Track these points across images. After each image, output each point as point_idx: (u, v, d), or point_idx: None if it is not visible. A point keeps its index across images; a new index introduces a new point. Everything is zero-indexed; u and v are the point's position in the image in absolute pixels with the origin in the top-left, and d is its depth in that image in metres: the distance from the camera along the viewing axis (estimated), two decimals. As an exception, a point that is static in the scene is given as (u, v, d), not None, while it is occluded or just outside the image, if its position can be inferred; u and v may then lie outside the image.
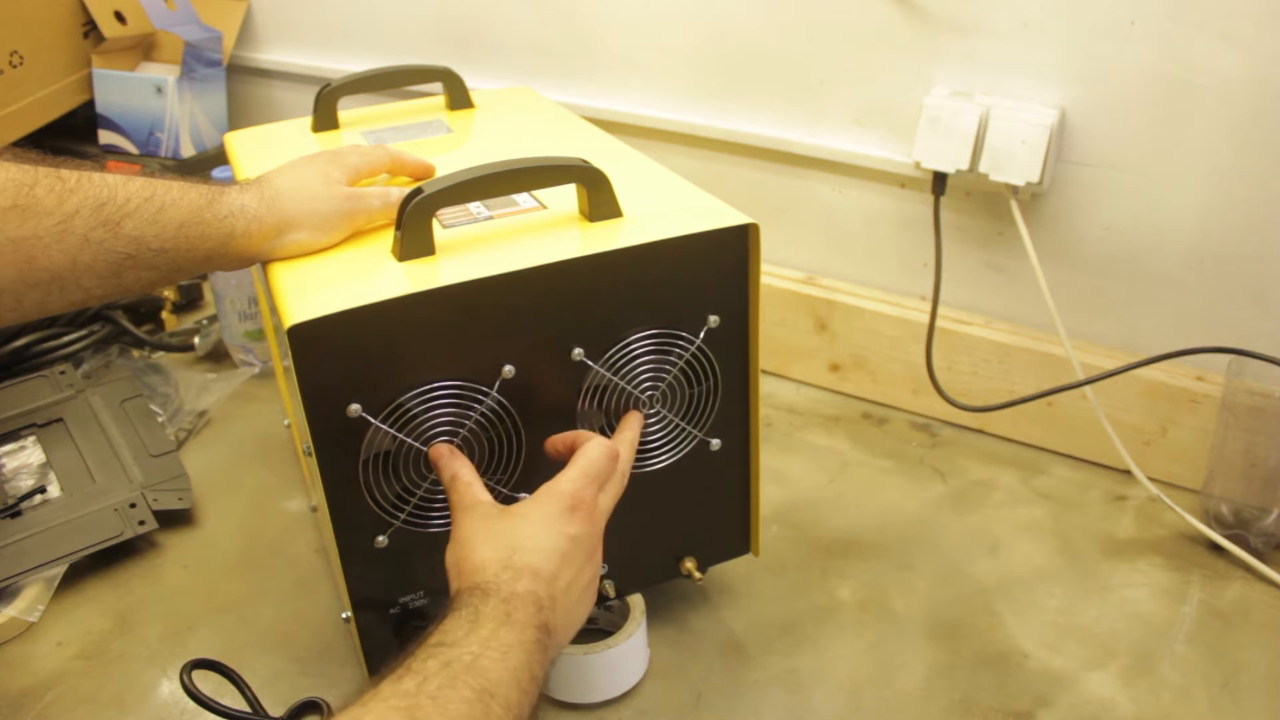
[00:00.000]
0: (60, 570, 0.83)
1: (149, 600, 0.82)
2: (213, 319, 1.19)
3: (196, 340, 1.16)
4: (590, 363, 0.65)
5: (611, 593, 0.73)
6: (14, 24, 1.19)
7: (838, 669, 0.75)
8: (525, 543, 0.56)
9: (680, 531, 0.74)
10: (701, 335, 0.68)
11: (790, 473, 0.96)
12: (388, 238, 0.66)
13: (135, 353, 1.14)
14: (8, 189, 0.56)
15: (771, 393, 1.09)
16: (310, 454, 0.61)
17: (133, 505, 0.87)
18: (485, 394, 0.63)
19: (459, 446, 0.63)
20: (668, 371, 0.68)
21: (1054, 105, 0.90)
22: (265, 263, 0.66)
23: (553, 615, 0.54)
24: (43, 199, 0.57)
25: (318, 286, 0.62)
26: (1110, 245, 0.93)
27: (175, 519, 0.90)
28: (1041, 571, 0.84)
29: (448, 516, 0.65)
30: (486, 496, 0.60)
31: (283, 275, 0.64)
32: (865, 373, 1.06)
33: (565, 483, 0.59)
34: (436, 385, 0.62)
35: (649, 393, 0.68)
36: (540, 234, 0.66)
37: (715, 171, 1.11)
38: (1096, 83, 0.88)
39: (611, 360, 0.66)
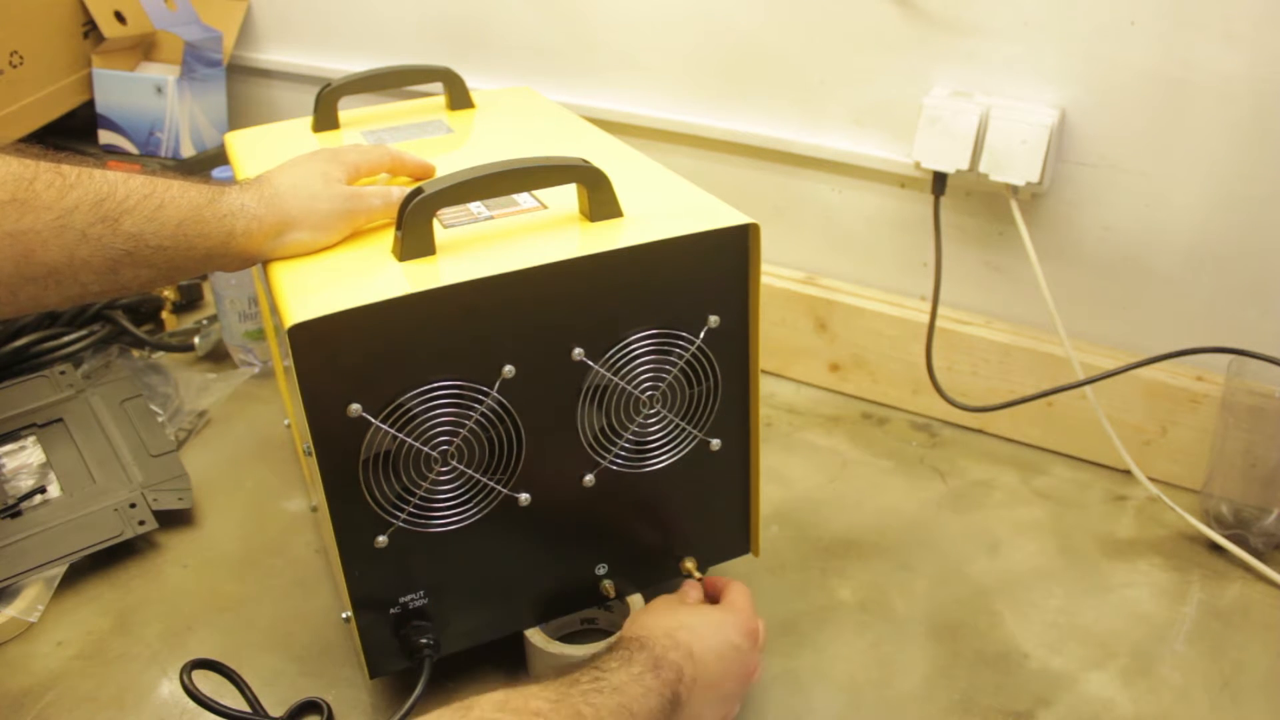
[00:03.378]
0: (60, 570, 0.83)
1: (149, 600, 0.82)
2: (213, 319, 1.19)
3: (196, 340, 1.16)
4: (590, 363, 0.65)
5: (611, 593, 0.73)
6: (14, 24, 1.19)
7: (838, 669, 0.75)
8: (694, 628, 0.63)
9: (680, 531, 0.74)
10: (701, 335, 0.68)
11: (790, 473, 0.96)
12: (388, 238, 0.66)
13: (135, 353, 1.14)
14: (7, 183, 0.56)
15: (771, 393, 1.09)
16: (310, 454, 0.61)
17: (133, 505, 0.87)
18: (485, 394, 0.63)
19: (459, 446, 0.63)
20: (668, 371, 0.68)
21: (1054, 105, 0.90)
22: (265, 262, 0.66)
23: (688, 694, 0.59)
24: (42, 194, 0.57)
25: (318, 286, 0.62)
26: (1110, 245, 0.93)
27: (175, 519, 0.90)
28: (1041, 571, 0.84)
29: (448, 516, 0.65)
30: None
31: (283, 275, 0.64)
32: (865, 373, 1.06)
33: (746, 610, 0.67)
34: (436, 385, 0.62)
35: (649, 393, 0.68)
36: (540, 234, 0.66)
37: (715, 171, 1.11)
38: (1096, 83, 0.88)
39: (611, 360, 0.66)
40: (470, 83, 0.95)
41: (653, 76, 1.11)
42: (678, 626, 0.62)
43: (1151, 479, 0.91)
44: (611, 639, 0.69)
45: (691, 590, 0.71)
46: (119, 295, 0.71)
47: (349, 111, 0.91)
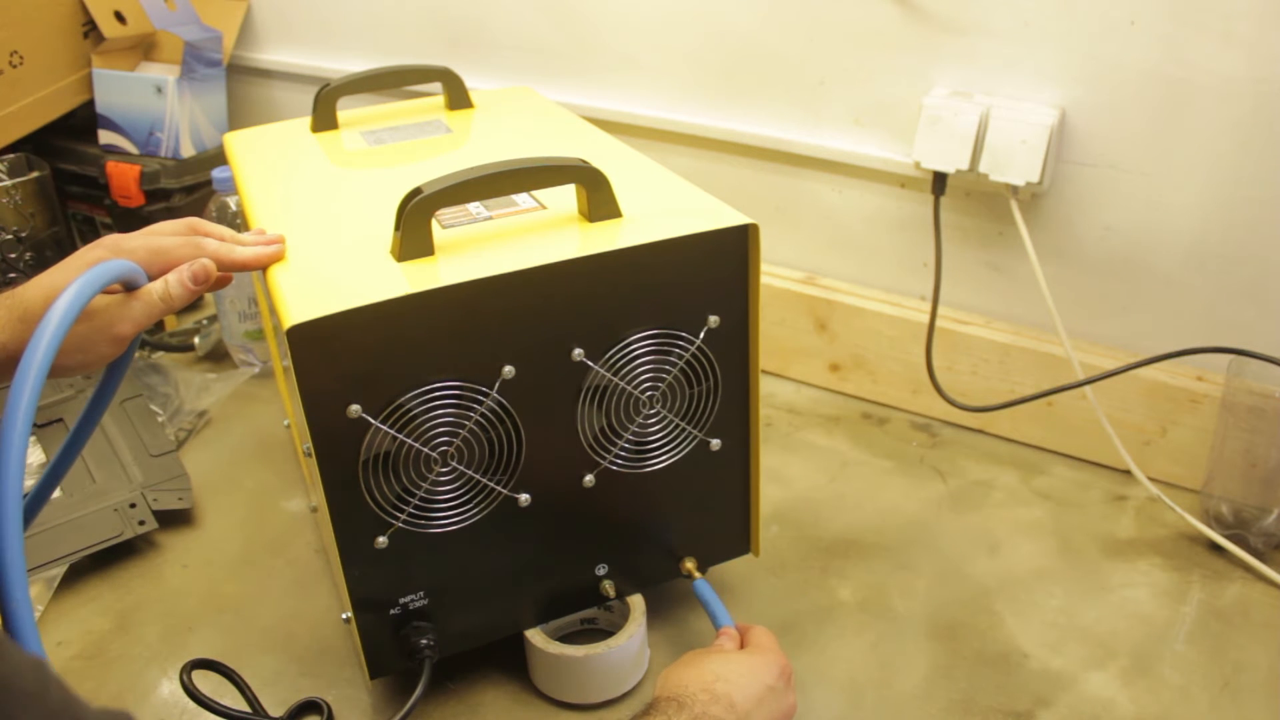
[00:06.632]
0: (60, 570, 0.83)
1: (149, 600, 0.82)
2: (213, 319, 1.19)
3: (196, 340, 1.16)
4: (590, 363, 0.65)
5: (611, 593, 0.73)
6: (14, 24, 1.19)
7: (838, 669, 0.75)
8: (730, 677, 0.62)
9: (680, 531, 0.74)
10: (701, 335, 0.68)
11: (790, 473, 0.96)
12: (387, 238, 0.66)
13: (135, 353, 1.14)
14: None
15: (771, 393, 1.09)
16: (310, 454, 0.61)
17: (133, 505, 0.87)
18: (485, 394, 0.63)
19: (459, 447, 0.63)
20: (668, 371, 0.68)
21: (1054, 105, 0.90)
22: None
23: None
24: None
25: (318, 287, 0.62)
26: (1110, 245, 0.93)
27: (175, 519, 0.90)
28: (1041, 571, 0.84)
29: (448, 517, 0.65)
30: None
31: (283, 275, 0.63)
32: (865, 373, 1.06)
33: (774, 650, 0.66)
34: (436, 385, 0.62)
35: (649, 393, 0.68)
36: (540, 234, 0.66)
37: (715, 171, 1.11)
38: (1096, 83, 0.88)
39: (611, 360, 0.66)
40: (470, 83, 0.95)
41: (653, 76, 1.11)
42: (714, 678, 0.61)
43: (1151, 479, 0.91)
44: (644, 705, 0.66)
45: (728, 640, 0.69)
46: None
47: (348, 111, 0.91)
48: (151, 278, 0.63)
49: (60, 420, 0.98)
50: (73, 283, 0.55)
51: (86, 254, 0.62)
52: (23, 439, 0.48)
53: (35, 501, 0.67)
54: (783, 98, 1.04)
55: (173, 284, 0.62)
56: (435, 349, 0.61)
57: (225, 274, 0.66)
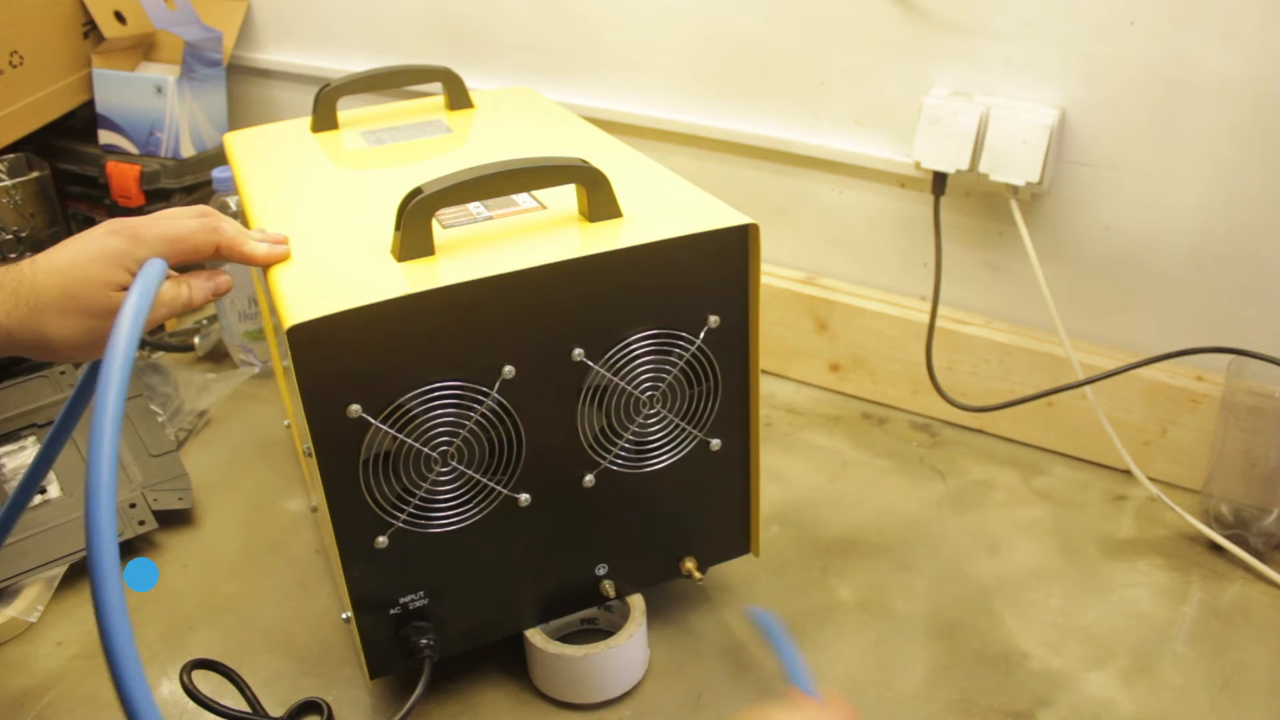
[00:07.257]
0: (60, 570, 0.83)
1: (149, 600, 0.82)
2: (213, 319, 1.19)
3: (196, 340, 1.16)
4: (590, 363, 0.65)
5: (611, 593, 0.73)
6: (14, 24, 1.19)
7: (838, 669, 0.75)
8: None
9: (680, 531, 0.74)
10: (701, 335, 0.68)
11: (790, 473, 0.96)
12: (387, 238, 0.66)
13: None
14: None
15: (771, 393, 1.09)
16: (310, 454, 0.61)
17: (133, 505, 0.87)
18: (485, 394, 0.63)
19: (459, 447, 0.63)
20: (668, 372, 0.68)
21: (1054, 105, 0.90)
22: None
23: None
24: None
25: (318, 286, 0.62)
26: (1110, 245, 0.93)
27: (175, 519, 0.90)
28: (1041, 571, 0.84)
29: (448, 517, 0.65)
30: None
31: (283, 275, 0.63)
32: (865, 373, 1.06)
33: None
34: (436, 385, 0.62)
35: (649, 393, 0.68)
36: (540, 234, 0.66)
37: (715, 171, 1.11)
38: (1096, 83, 0.88)
39: (611, 360, 0.66)
40: (470, 83, 0.95)
41: (653, 76, 1.11)
42: None
43: (1151, 479, 0.91)
44: None
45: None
46: None
47: (348, 111, 0.91)
48: (170, 264, 0.62)
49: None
50: (132, 290, 0.55)
51: (104, 241, 0.60)
52: (113, 447, 0.48)
53: (17, 503, 0.67)
54: (783, 98, 1.05)
55: (195, 289, 0.64)
56: (435, 349, 0.61)
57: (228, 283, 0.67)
